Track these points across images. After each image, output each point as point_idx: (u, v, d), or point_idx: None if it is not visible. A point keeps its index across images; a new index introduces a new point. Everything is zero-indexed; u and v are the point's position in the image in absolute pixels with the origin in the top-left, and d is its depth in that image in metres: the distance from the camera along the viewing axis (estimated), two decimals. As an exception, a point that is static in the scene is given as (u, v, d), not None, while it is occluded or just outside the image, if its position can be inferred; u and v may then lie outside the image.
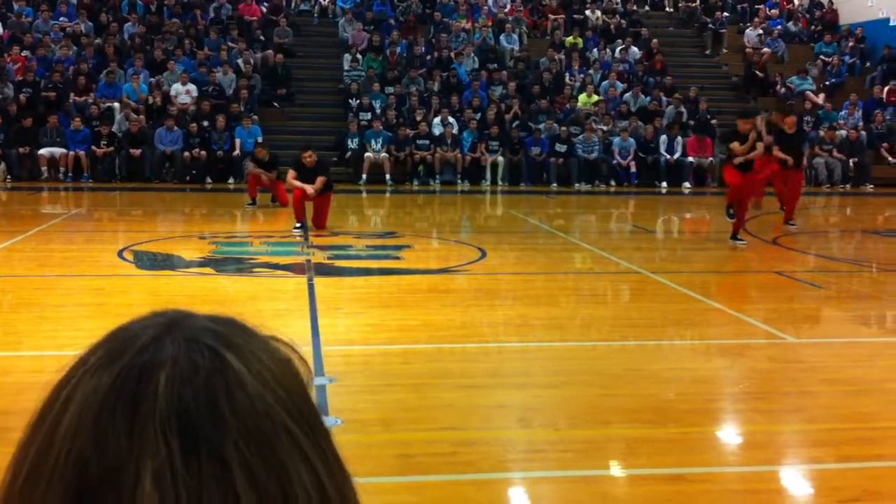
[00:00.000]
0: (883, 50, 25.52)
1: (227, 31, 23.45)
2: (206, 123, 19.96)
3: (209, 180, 19.48)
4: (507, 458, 4.69)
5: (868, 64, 25.91)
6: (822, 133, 21.86)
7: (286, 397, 0.70)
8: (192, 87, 20.99)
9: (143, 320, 0.72)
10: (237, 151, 19.52)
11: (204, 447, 0.65)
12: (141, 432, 0.65)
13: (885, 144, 22.48)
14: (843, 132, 22.04)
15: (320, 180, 12.60)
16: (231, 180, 19.45)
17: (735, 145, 11.33)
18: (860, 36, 26.44)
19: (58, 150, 19.20)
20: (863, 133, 22.17)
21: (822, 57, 25.69)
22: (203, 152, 19.55)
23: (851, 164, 21.53)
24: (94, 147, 19.35)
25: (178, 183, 19.16)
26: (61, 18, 23.22)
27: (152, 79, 21.25)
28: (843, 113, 23.00)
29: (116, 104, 20.53)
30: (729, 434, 5.23)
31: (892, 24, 25.61)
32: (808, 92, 23.91)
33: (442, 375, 6.03)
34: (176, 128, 19.59)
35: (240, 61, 22.33)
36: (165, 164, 19.63)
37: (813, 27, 27.41)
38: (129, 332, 0.71)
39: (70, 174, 19.20)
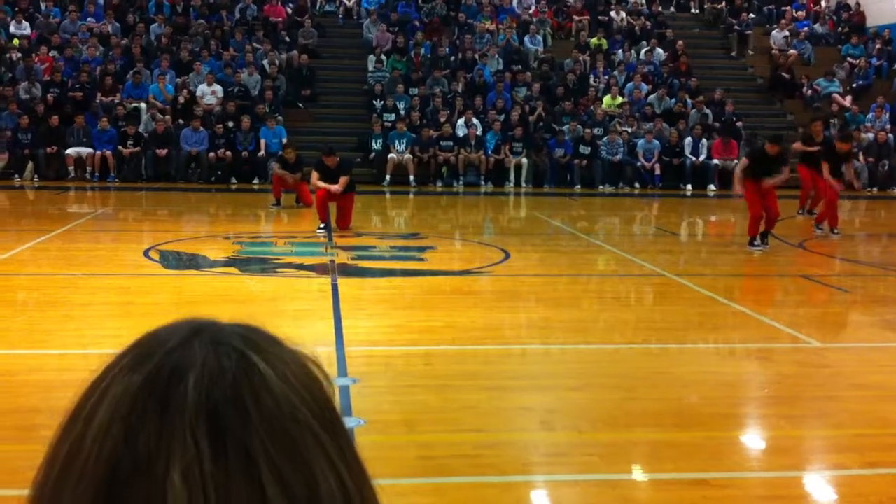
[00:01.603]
0: (911, 52, 25.28)
1: (253, 31, 23.57)
2: (231, 124, 20.06)
3: (234, 181, 19.58)
4: (529, 461, 4.68)
5: (895, 66, 25.67)
6: (849, 136, 21.65)
7: (310, 399, 0.72)
8: (217, 88, 21.11)
9: (172, 326, 0.74)
10: (262, 152, 19.61)
11: (232, 445, 0.66)
12: (171, 430, 0.66)
13: (912, 147, 22.25)
14: (871, 135, 21.85)
15: (343, 180, 12.67)
16: (256, 181, 19.54)
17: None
18: (887, 38, 26.18)
19: (85, 150, 19.36)
20: (890, 136, 21.97)
21: (849, 59, 25.48)
22: (228, 153, 19.66)
23: (881, 167, 21.35)
24: (120, 147, 19.50)
25: (204, 183, 19.28)
26: (89, 19, 23.42)
27: (178, 79, 21.39)
28: (870, 115, 22.79)
29: (143, 104, 20.68)
30: (753, 439, 5.19)
31: (920, 26, 25.36)
32: (834, 94, 23.73)
33: (465, 377, 6.03)
34: (201, 128, 19.71)
35: (265, 62, 22.43)
36: (191, 164, 19.75)
37: (840, 29, 27.19)
38: (159, 336, 0.73)
39: (97, 174, 19.35)
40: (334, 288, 8.73)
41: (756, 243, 11.49)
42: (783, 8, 27.58)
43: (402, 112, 21.40)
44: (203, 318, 0.75)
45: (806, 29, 26.71)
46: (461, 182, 20.24)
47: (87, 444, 0.67)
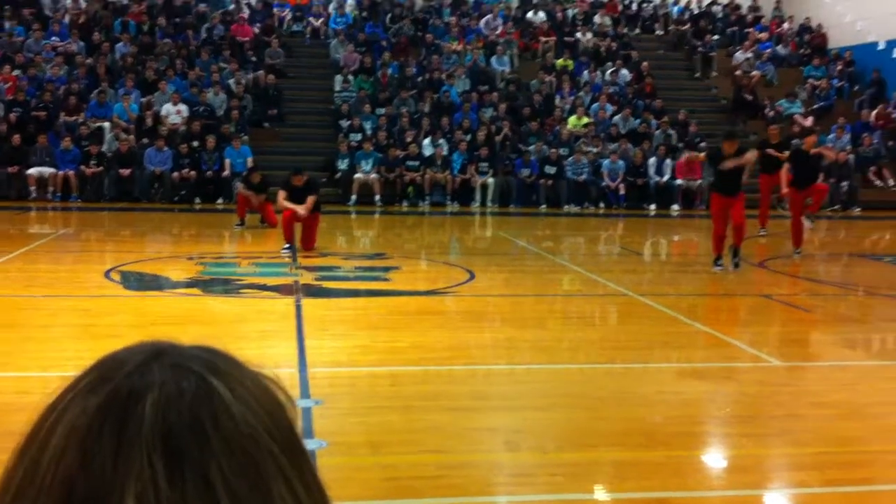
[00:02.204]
0: (871, 74, 25.73)
1: (219, 51, 23.51)
2: (196, 144, 19.96)
3: (198, 201, 19.46)
4: (494, 482, 4.67)
5: (856, 87, 26.10)
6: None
7: (270, 422, 0.71)
8: (182, 108, 21.01)
9: (132, 348, 0.74)
10: (227, 172, 19.52)
11: (188, 468, 0.66)
12: (127, 453, 0.66)
13: (872, 168, 22.61)
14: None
15: (311, 200, 12.63)
16: (220, 201, 19.44)
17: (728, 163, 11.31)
18: (849, 60, 26.64)
19: (47, 170, 19.16)
20: (851, 156, 22.30)
21: (810, 80, 25.87)
22: (193, 172, 19.54)
23: (841, 187, 21.65)
24: (83, 167, 19.33)
25: (167, 203, 19.15)
26: (53, 38, 23.25)
27: (143, 98, 21.27)
28: (831, 136, 23.13)
29: (107, 124, 20.52)
30: (716, 458, 5.22)
31: (880, 48, 25.82)
32: (796, 115, 24.07)
33: (429, 398, 6.01)
34: (166, 148, 19.59)
35: (231, 82, 22.37)
36: (155, 184, 19.61)
37: (802, 51, 27.61)
38: (118, 358, 0.73)
39: (59, 194, 19.15)
40: (298, 309, 8.68)
41: (720, 263, 11.46)
42: (746, 30, 27.97)
43: (369, 132, 21.41)
44: (164, 340, 0.75)
45: (769, 50, 27.10)
46: (427, 202, 20.27)
47: (43, 467, 0.67)
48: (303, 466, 0.72)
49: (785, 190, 12.89)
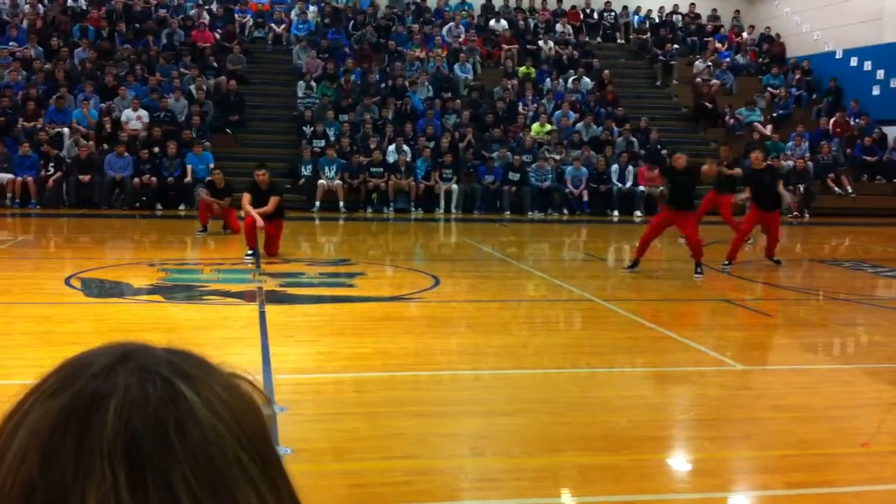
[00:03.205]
0: (829, 82, 26.13)
1: (180, 57, 23.33)
2: (157, 150, 19.78)
3: (159, 207, 19.29)
4: (460, 487, 4.66)
5: (814, 96, 26.49)
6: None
7: (238, 428, 0.69)
8: (143, 113, 20.83)
9: (99, 349, 0.72)
10: (188, 178, 19.37)
11: (151, 476, 0.64)
12: (87, 459, 0.64)
13: (831, 175, 22.94)
14: (791, 163, 22.47)
15: (274, 201, 12.59)
16: (182, 207, 19.28)
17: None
18: (807, 68, 27.03)
19: (5, 176, 18.91)
20: (809, 164, 22.61)
21: (769, 89, 26.23)
22: (154, 179, 19.37)
23: (800, 194, 21.93)
24: (42, 173, 19.08)
25: (128, 210, 18.95)
26: (11, 43, 22.95)
27: (103, 104, 21.05)
28: (790, 144, 23.45)
29: (66, 130, 20.29)
30: (681, 461, 5.25)
31: (837, 57, 26.24)
32: (756, 123, 24.36)
33: (395, 404, 5.99)
34: (126, 154, 19.40)
35: (192, 87, 22.21)
36: (115, 190, 19.41)
37: (761, 60, 27.98)
38: (83, 361, 0.70)
39: (17, 200, 18.90)
40: (262, 315, 8.62)
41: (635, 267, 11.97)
42: (706, 39, 28.29)
43: (332, 138, 21.36)
44: (134, 342, 0.73)
45: (728, 59, 27.43)
46: (391, 208, 20.25)
47: (4, 469, 0.65)
48: (274, 475, 0.70)
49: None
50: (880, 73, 24.74)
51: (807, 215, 21.44)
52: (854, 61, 25.57)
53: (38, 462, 0.64)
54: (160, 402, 0.67)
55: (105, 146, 19.93)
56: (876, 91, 24.86)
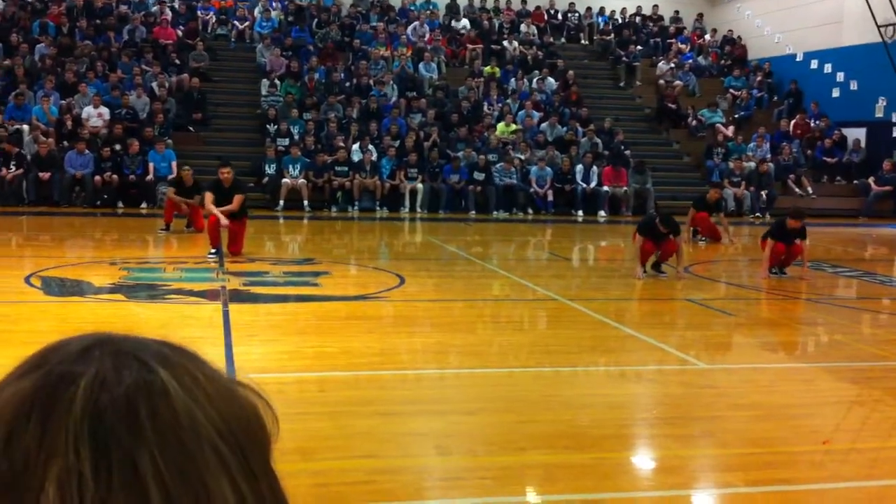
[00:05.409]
0: (789, 84, 26.44)
1: (142, 53, 23.11)
2: (118, 147, 19.57)
3: (121, 205, 19.09)
4: (424, 486, 4.66)
5: (775, 98, 26.80)
6: (731, 165, 22.50)
7: (219, 418, 0.67)
8: (104, 110, 20.60)
9: (80, 336, 0.70)
10: (150, 176, 19.18)
11: (116, 455, 0.62)
12: (52, 438, 0.62)
13: (791, 176, 23.22)
14: (752, 164, 22.71)
15: (237, 199, 12.51)
16: (144, 205, 19.10)
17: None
18: (768, 71, 27.35)
19: (-38, 173, 18.60)
20: (771, 165, 22.87)
21: (731, 90, 26.49)
22: (115, 176, 19.16)
23: (762, 194, 22.18)
24: (1, 170, 18.80)
25: (89, 207, 18.73)
26: (-32, 38, 22.60)
27: (63, 101, 20.79)
28: (751, 145, 23.70)
29: (26, 126, 20.01)
30: (643, 459, 5.29)
31: (798, 59, 26.55)
32: (718, 124, 24.60)
33: (359, 403, 5.98)
34: (87, 151, 19.17)
35: (154, 84, 22.00)
36: (75, 188, 19.17)
37: (723, 61, 28.26)
38: (60, 344, 0.69)
39: (-25, 198, 18.62)
40: (225, 314, 8.56)
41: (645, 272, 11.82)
42: (669, 41, 28.52)
43: (297, 137, 21.26)
44: (119, 332, 0.72)
45: (690, 61, 27.67)
46: (356, 207, 20.20)
47: None
48: (256, 469, 0.68)
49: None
50: (840, 76, 25.08)
51: (767, 216, 21.68)
52: (814, 64, 25.89)
53: (2, 441, 0.63)
54: (134, 384, 0.65)
55: (65, 143, 19.68)
56: (836, 93, 25.19)
